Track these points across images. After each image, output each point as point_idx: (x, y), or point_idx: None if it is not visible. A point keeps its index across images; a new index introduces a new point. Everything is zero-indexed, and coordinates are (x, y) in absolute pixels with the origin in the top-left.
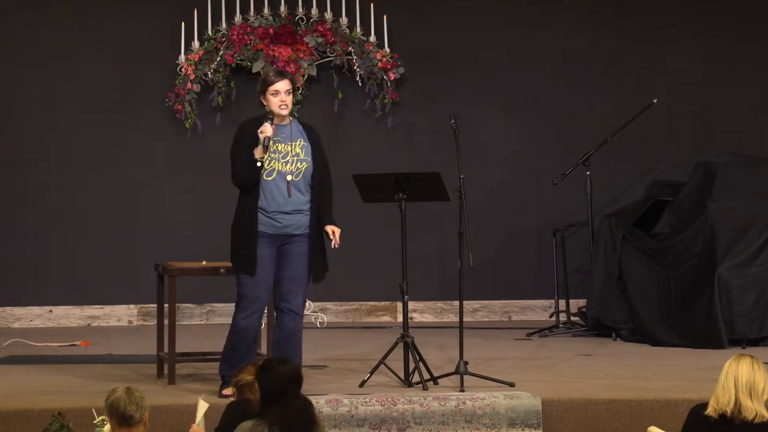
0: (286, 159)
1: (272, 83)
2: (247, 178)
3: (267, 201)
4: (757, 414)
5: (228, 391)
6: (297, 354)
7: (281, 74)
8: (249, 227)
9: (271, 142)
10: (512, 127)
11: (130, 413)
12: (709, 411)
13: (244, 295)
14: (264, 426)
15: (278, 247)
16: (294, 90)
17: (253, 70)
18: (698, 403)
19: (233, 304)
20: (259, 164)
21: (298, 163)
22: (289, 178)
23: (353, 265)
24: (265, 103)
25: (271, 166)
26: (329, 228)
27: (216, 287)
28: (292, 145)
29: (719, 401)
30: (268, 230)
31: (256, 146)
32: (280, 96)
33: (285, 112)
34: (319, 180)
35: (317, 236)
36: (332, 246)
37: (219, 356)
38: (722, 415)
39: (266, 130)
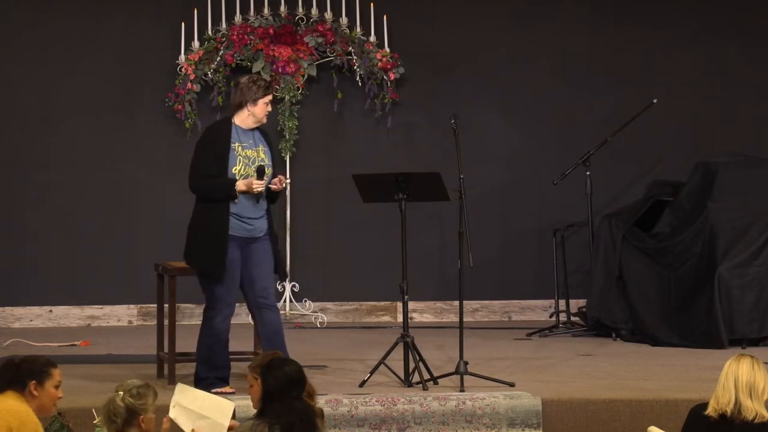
0: (254, 165)
1: (269, 94)
2: (213, 200)
3: (241, 206)
4: (757, 414)
5: (227, 389)
6: (284, 347)
7: (271, 85)
8: (221, 231)
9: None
10: (512, 127)
11: (108, 428)
12: (709, 411)
13: (219, 298)
14: (264, 425)
15: (243, 249)
16: None
17: (253, 70)
18: (698, 403)
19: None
20: (237, 201)
21: (266, 169)
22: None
23: (353, 265)
24: (251, 110)
25: (246, 172)
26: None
27: None
28: (257, 151)
29: (719, 401)
30: (239, 233)
31: (226, 159)
32: (269, 105)
33: (265, 121)
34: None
35: (274, 236)
36: (277, 185)
37: None
38: (722, 415)
39: (261, 188)
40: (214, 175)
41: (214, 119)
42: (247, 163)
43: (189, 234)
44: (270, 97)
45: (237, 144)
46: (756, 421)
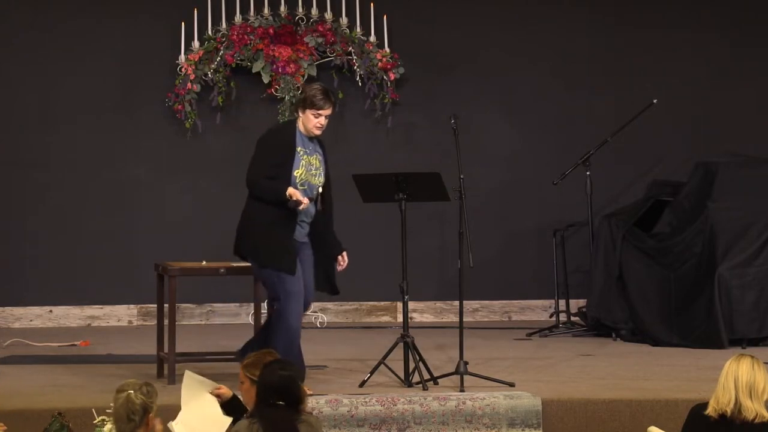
0: (312, 172)
1: (321, 108)
2: (265, 201)
3: (305, 210)
4: (757, 414)
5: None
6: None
7: (329, 99)
8: (287, 229)
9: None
10: (512, 127)
11: (120, 428)
12: (709, 411)
13: (290, 291)
14: (258, 425)
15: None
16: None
17: (253, 70)
18: (698, 403)
19: (233, 303)
20: (301, 208)
21: (320, 177)
22: (320, 190)
23: (353, 265)
24: (301, 116)
25: (306, 178)
26: (344, 254)
27: (216, 287)
28: (315, 158)
29: (719, 401)
30: (297, 237)
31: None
32: (320, 119)
33: (318, 133)
34: (327, 195)
35: (329, 247)
36: (339, 269)
37: (219, 356)
38: (722, 416)
39: (305, 203)
40: (275, 177)
41: (214, 119)
42: (308, 170)
43: (250, 231)
44: (321, 110)
45: (300, 148)
46: (756, 421)
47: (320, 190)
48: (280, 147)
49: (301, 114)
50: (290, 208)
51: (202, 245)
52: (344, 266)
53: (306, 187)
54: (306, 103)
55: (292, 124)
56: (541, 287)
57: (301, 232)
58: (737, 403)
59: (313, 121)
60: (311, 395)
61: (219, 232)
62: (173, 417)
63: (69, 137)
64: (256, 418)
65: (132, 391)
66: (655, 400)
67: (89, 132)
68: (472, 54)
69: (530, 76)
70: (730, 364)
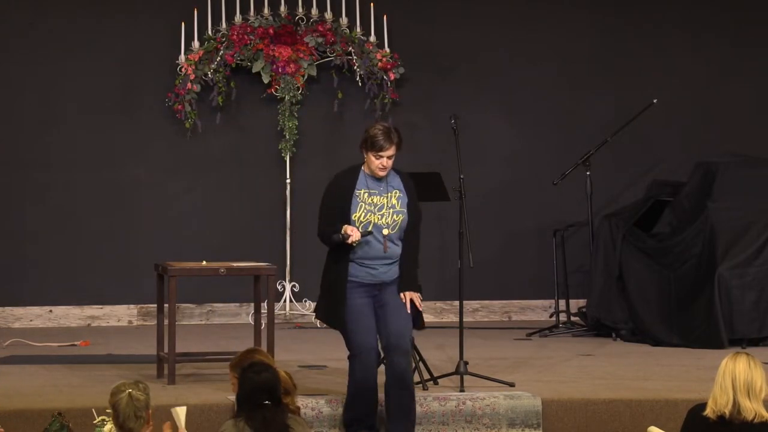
0: (381, 212)
1: (381, 149)
2: (332, 247)
3: (362, 252)
4: (756, 414)
5: None
6: (408, 395)
7: (390, 139)
8: (338, 279)
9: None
10: (512, 127)
11: (129, 426)
12: (708, 412)
13: (352, 344)
14: (245, 423)
15: (374, 295)
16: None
17: (253, 70)
18: (696, 403)
19: (233, 303)
20: (349, 241)
21: (395, 215)
22: (385, 232)
23: None
24: (365, 157)
25: (367, 219)
26: (408, 294)
27: (216, 287)
28: (388, 197)
29: (717, 402)
30: (365, 280)
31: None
32: (382, 160)
33: (382, 174)
34: (410, 232)
35: (409, 286)
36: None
37: (218, 356)
38: (721, 416)
39: (354, 236)
40: (336, 222)
41: (214, 119)
42: (371, 210)
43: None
44: (382, 152)
45: (363, 191)
46: (756, 421)
47: (384, 232)
48: (339, 192)
49: (364, 155)
50: (348, 251)
51: (202, 245)
52: (408, 306)
53: (370, 228)
54: (367, 145)
55: (358, 166)
56: (541, 287)
57: (373, 273)
58: (735, 404)
59: (375, 163)
60: (310, 395)
61: (219, 232)
62: (173, 417)
63: (69, 137)
64: (242, 418)
65: (131, 390)
66: (655, 400)
67: (89, 132)
68: (472, 54)
69: (530, 76)
70: (726, 363)
